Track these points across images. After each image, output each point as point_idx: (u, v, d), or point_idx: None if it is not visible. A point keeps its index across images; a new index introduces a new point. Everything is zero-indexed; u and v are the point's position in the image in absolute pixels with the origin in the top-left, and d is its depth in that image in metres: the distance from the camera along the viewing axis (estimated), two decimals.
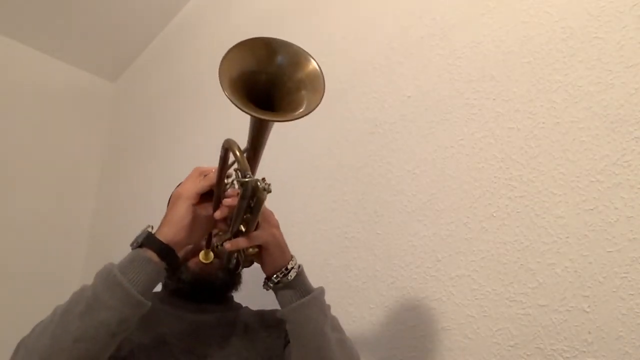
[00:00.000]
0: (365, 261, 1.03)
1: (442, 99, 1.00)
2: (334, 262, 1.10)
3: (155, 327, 0.78)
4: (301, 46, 0.61)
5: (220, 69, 0.54)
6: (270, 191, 0.58)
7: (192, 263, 0.84)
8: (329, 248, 1.12)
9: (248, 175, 0.56)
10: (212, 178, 0.68)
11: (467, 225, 0.88)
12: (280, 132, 1.19)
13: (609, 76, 0.76)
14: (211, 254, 0.80)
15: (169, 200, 0.95)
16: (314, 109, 0.56)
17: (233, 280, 0.92)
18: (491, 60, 0.94)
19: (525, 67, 0.88)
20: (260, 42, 0.58)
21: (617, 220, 0.70)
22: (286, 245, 0.72)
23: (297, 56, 0.59)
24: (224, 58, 0.55)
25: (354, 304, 1.02)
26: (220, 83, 0.54)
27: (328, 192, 1.18)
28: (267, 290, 0.72)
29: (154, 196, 1.94)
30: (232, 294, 0.94)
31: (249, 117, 0.57)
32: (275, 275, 0.70)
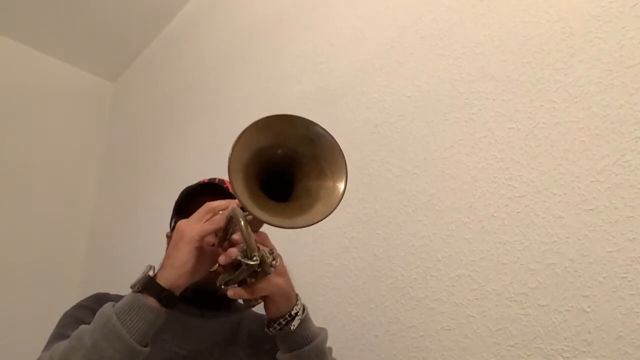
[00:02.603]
0: (365, 261, 1.03)
1: (442, 99, 1.00)
2: (334, 262, 1.10)
3: (157, 333, 0.77)
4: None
5: (231, 155, 0.52)
6: (276, 266, 0.57)
7: None
8: (329, 248, 1.12)
9: (254, 258, 0.54)
10: (219, 222, 0.66)
11: (467, 225, 0.88)
12: None
13: (609, 76, 0.76)
14: (216, 263, 0.80)
15: (176, 207, 0.94)
16: (322, 220, 0.55)
17: None
18: (491, 60, 0.94)
19: (525, 67, 0.88)
20: (280, 119, 0.57)
21: (617, 220, 0.70)
22: (292, 290, 0.70)
23: (332, 152, 0.58)
24: (237, 139, 0.53)
25: (354, 304, 1.02)
26: (230, 170, 0.51)
27: None
28: (270, 334, 0.72)
29: (154, 196, 1.94)
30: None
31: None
32: (277, 323, 0.69)
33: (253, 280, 0.63)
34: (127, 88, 2.64)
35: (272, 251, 0.60)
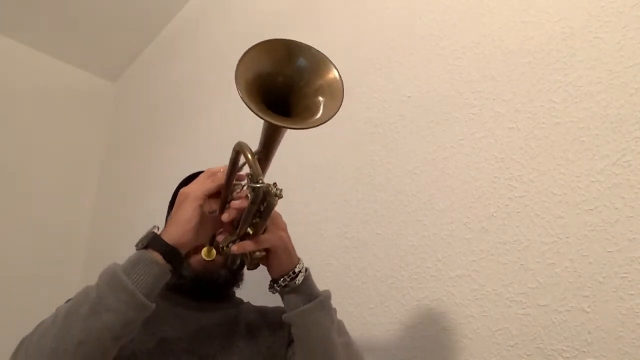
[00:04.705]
0: (365, 261, 1.03)
1: (442, 99, 1.00)
2: (334, 262, 1.10)
3: (157, 325, 0.77)
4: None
5: (237, 70, 0.53)
6: (281, 197, 0.57)
7: (194, 260, 0.83)
8: (329, 248, 1.12)
9: (260, 181, 0.55)
10: (221, 178, 0.66)
11: (467, 225, 0.88)
12: None
13: (609, 76, 0.76)
14: (214, 251, 0.79)
15: (173, 195, 0.94)
16: (331, 117, 0.55)
17: (235, 277, 0.91)
18: (491, 60, 0.94)
19: (525, 67, 0.88)
20: (279, 44, 0.58)
21: (617, 220, 0.70)
22: (293, 248, 0.71)
23: (317, 61, 0.58)
24: (241, 59, 0.54)
25: (354, 304, 1.02)
26: (237, 85, 0.53)
27: (328, 192, 1.18)
28: (273, 293, 0.72)
29: (154, 196, 1.94)
30: (234, 290, 0.94)
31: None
32: (282, 279, 0.69)
33: (258, 220, 0.63)
34: (127, 88, 2.64)
35: (275, 184, 0.60)
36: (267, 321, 0.86)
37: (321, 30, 1.40)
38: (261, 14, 1.70)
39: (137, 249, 0.64)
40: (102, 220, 2.34)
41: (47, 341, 0.57)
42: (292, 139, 1.34)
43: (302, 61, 0.58)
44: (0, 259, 2.04)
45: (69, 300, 0.77)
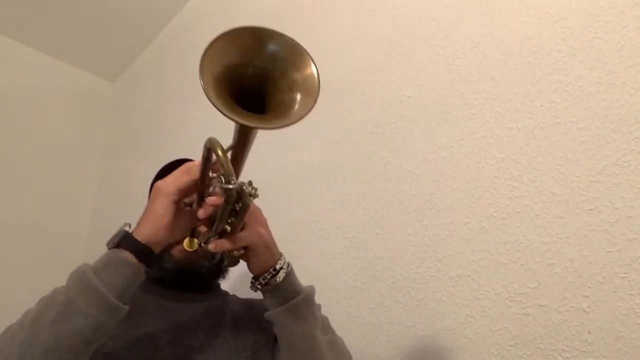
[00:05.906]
0: (365, 261, 1.03)
1: (442, 99, 1.00)
2: (334, 262, 1.10)
3: (139, 317, 0.75)
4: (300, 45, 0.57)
5: (201, 63, 0.49)
6: (256, 196, 0.55)
7: (175, 251, 0.80)
8: (329, 248, 1.12)
9: (232, 181, 0.52)
10: (195, 173, 0.62)
11: (467, 225, 0.88)
12: (279, 131, 1.19)
13: (609, 76, 0.76)
14: (195, 242, 0.75)
15: (150, 192, 0.93)
16: (304, 116, 0.51)
17: (219, 268, 0.88)
18: (491, 60, 0.94)
19: (525, 67, 0.88)
20: (248, 31, 0.53)
21: (617, 220, 0.70)
22: (274, 244, 0.69)
23: (292, 51, 0.54)
24: (206, 51, 0.49)
25: (354, 304, 1.02)
26: (202, 80, 0.48)
27: (328, 192, 1.18)
28: (255, 291, 0.70)
29: None
30: (219, 281, 0.92)
31: None
32: (262, 277, 0.67)
33: (234, 219, 0.60)
34: (127, 88, 2.64)
35: (250, 182, 0.57)
36: (254, 314, 0.83)
37: (321, 30, 1.40)
38: (261, 14, 1.70)
39: (108, 248, 0.60)
40: (102, 221, 2.34)
41: (14, 348, 0.55)
42: (291, 139, 1.34)
43: (274, 49, 0.53)
44: (0, 259, 2.03)
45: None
